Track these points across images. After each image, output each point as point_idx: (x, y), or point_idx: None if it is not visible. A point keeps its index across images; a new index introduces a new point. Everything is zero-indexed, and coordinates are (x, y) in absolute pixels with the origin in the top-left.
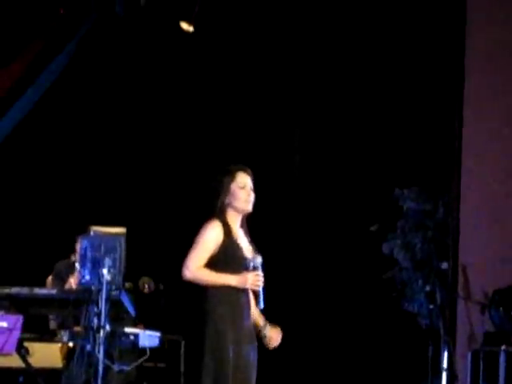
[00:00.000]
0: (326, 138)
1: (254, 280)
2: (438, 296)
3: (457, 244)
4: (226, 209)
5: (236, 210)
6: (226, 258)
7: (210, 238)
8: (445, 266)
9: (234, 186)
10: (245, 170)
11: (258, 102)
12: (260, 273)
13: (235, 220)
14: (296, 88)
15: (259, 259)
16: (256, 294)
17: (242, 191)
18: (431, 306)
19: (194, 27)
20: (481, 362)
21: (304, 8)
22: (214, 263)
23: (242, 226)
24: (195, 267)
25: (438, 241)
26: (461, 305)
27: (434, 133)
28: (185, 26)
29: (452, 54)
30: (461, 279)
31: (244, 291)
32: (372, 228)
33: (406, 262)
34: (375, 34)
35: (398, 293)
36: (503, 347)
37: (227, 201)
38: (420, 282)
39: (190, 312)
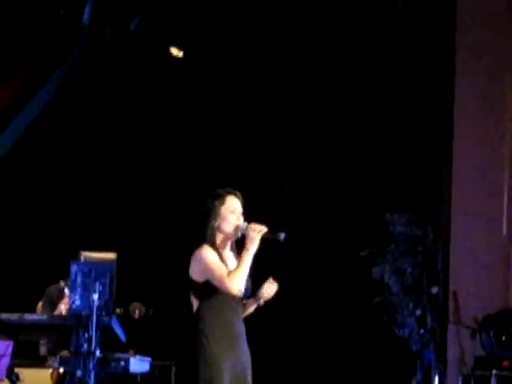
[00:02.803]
0: (316, 163)
1: (256, 231)
2: (428, 320)
3: (447, 269)
4: (216, 233)
5: (225, 234)
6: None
7: (214, 257)
8: (435, 290)
9: (224, 210)
10: (235, 194)
11: (248, 130)
12: (252, 225)
13: (224, 244)
14: (286, 116)
15: (244, 224)
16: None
17: (232, 215)
18: (422, 331)
19: (184, 53)
20: None
21: (292, 38)
22: (207, 290)
23: (231, 250)
24: (228, 281)
25: (428, 265)
26: (451, 329)
27: (425, 159)
28: (174, 51)
29: (442, 77)
30: (451, 304)
31: (236, 313)
32: (362, 253)
33: (396, 286)
34: (366, 66)
35: (389, 317)
36: (494, 372)
37: (217, 225)
38: (410, 306)
39: (184, 337)
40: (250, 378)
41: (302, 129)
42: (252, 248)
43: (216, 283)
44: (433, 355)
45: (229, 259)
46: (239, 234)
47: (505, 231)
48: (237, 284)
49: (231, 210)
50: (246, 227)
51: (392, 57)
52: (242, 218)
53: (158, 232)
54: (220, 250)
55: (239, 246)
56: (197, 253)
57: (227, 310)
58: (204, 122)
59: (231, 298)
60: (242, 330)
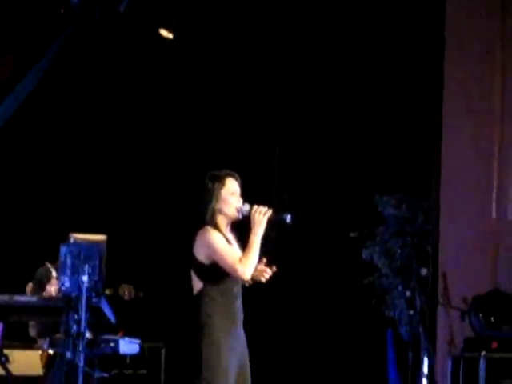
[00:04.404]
0: (305, 143)
1: (262, 213)
2: (417, 302)
3: (436, 250)
4: (216, 215)
5: (226, 216)
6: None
7: (223, 241)
8: (424, 272)
9: (224, 193)
10: (234, 176)
11: (236, 108)
12: (257, 207)
13: (225, 227)
14: (275, 94)
15: (246, 206)
16: None
17: (233, 197)
18: (411, 312)
19: (174, 34)
20: (461, 368)
21: (280, 23)
22: (213, 273)
23: (231, 231)
24: (241, 267)
25: (417, 247)
26: (441, 311)
27: (415, 140)
28: (164, 33)
29: (431, 64)
30: (440, 285)
31: (237, 298)
32: (352, 234)
33: (385, 268)
34: (355, 51)
35: (378, 299)
36: (483, 353)
37: (218, 207)
38: (400, 288)
39: (185, 317)
40: (247, 362)
41: (292, 110)
42: (260, 231)
43: (228, 269)
44: (422, 337)
45: (232, 241)
46: (240, 216)
47: (494, 213)
48: (249, 270)
49: (232, 192)
50: (250, 210)
51: (382, 41)
52: (241, 200)
53: (149, 214)
54: (223, 232)
55: (239, 227)
56: (203, 235)
57: (230, 294)
58: (193, 103)
59: (235, 282)
60: (241, 314)
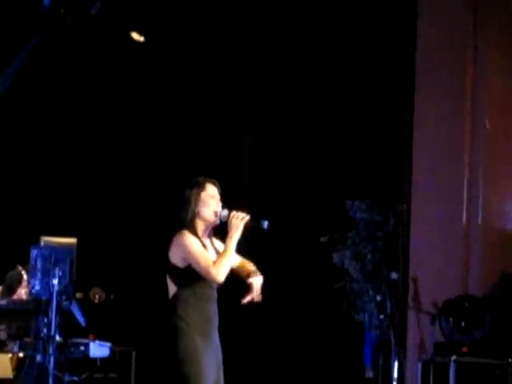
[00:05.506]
0: (276, 148)
1: (239, 219)
2: (388, 306)
3: (407, 255)
4: (195, 219)
5: (204, 220)
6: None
7: (198, 244)
8: (395, 276)
9: (204, 195)
10: (213, 183)
11: (207, 112)
12: (235, 212)
13: (203, 231)
14: (247, 99)
15: (225, 212)
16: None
17: (212, 200)
18: (382, 317)
19: (145, 37)
20: (431, 373)
21: (249, 21)
22: (187, 276)
23: (210, 238)
24: (214, 269)
25: (388, 252)
26: (411, 315)
27: (385, 145)
28: (135, 36)
29: (402, 70)
30: (411, 290)
31: (212, 301)
32: (322, 239)
33: (356, 272)
34: (329, 55)
35: (349, 303)
36: (453, 357)
37: (197, 210)
38: (371, 292)
39: (159, 321)
40: (221, 366)
41: (262, 115)
42: (235, 236)
43: (201, 271)
44: (392, 341)
45: (208, 246)
46: (218, 221)
47: (464, 217)
48: (223, 272)
49: (211, 196)
50: (228, 215)
51: (354, 46)
52: (220, 205)
53: (119, 217)
54: (200, 237)
55: (217, 233)
56: (179, 238)
57: (205, 297)
58: (164, 106)
59: (209, 285)
60: (216, 318)
